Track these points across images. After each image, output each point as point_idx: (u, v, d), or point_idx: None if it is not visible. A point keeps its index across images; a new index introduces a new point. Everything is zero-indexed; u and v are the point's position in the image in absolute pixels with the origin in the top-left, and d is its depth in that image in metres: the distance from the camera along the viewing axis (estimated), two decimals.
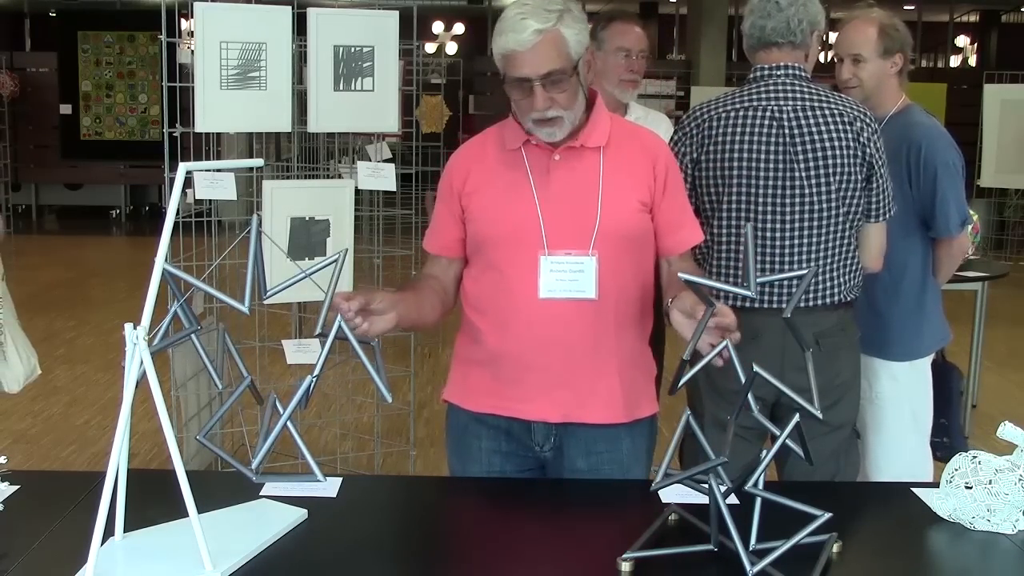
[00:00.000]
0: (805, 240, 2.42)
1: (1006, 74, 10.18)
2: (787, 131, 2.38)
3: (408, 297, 1.93)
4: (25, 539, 1.57)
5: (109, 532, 1.46)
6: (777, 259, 2.42)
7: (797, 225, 2.41)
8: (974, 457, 1.72)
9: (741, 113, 2.41)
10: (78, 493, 1.76)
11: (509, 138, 1.99)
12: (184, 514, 1.43)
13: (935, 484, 1.81)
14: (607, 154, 1.97)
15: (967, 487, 1.69)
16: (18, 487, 1.76)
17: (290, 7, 3.58)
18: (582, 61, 1.92)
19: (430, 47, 15.37)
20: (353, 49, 3.61)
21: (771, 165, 2.39)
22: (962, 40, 17.59)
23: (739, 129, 2.40)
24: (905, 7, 15.70)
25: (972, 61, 17.63)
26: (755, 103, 2.42)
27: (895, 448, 2.85)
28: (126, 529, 1.53)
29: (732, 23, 12.54)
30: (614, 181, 1.95)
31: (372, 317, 1.73)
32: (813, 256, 2.42)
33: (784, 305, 2.40)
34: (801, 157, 2.38)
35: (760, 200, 2.40)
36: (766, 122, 2.39)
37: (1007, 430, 1.67)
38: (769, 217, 2.41)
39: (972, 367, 5.22)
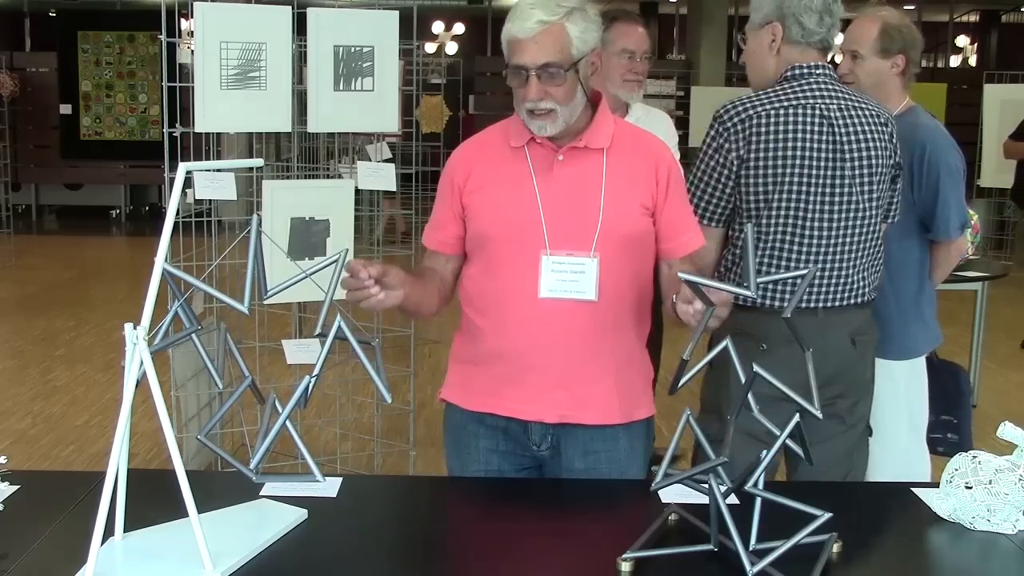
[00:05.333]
0: (848, 239, 2.40)
1: (1006, 74, 10.18)
2: (836, 130, 2.36)
3: (413, 280, 1.93)
4: (25, 539, 1.57)
5: (109, 532, 1.46)
6: (822, 259, 2.39)
7: (842, 224, 2.39)
8: (974, 457, 1.72)
9: (791, 111, 2.36)
10: (78, 493, 1.75)
11: (514, 135, 1.99)
12: (184, 514, 1.43)
13: (935, 484, 1.81)
14: (610, 156, 1.97)
15: (967, 487, 1.69)
16: (18, 487, 1.76)
17: (290, 7, 3.58)
18: (585, 61, 1.92)
19: (430, 47, 15.38)
20: (353, 49, 3.61)
21: (822, 164, 2.36)
22: (962, 40, 17.59)
23: (791, 127, 2.36)
24: (905, 7, 15.70)
25: (972, 61, 17.63)
26: (802, 100, 2.37)
27: (891, 447, 2.85)
28: (126, 529, 1.53)
29: (732, 23, 12.53)
30: (617, 183, 1.95)
31: (386, 291, 1.76)
32: (854, 255, 2.41)
33: (816, 305, 2.40)
34: (848, 156, 2.37)
35: (811, 199, 2.36)
36: (816, 120, 2.36)
37: (1007, 430, 1.67)
38: (816, 216, 2.37)
39: (972, 367, 5.22)
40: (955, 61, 17.41)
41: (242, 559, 1.50)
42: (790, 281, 2.40)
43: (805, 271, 1.62)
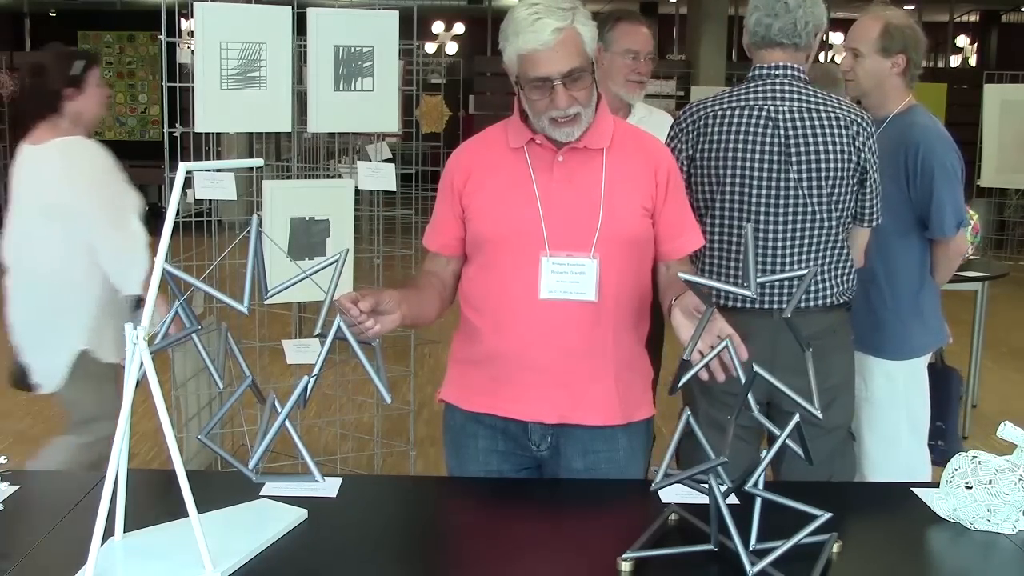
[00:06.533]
0: (797, 241, 2.41)
1: (1006, 74, 10.18)
2: (782, 131, 2.38)
3: (410, 295, 1.93)
4: (25, 539, 1.57)
5: (109, 532, 1.46)
6: (769, 260, 2.42)
7: (789, 226, 2.40)
8: (974, 457, 1.72)
9: (737, 112, 2.41)
10: (78, 493, 1.76)
11: (513, 137, 1.99)
12: (184, 514, 1.43)
13: (935, 484, 1.81)
14: (610, 156, 1.97)
15: (967, 487, 1.69)
16: (18, 487, 1.76)
17: (290, 7, 3.58)
18: (595, 58, 1.92)
19: (430, 47, 15.38)
20: (353, 49, 3.61)
21: (765, 165, 2.38)
22: (962, 40, 17.58)
23: (734, 128, 2.40)
24: (905, 7, 15.70)
25: (972, 61, 17.63)
26: (751, 102, 2.41)
27: (891, 448, 2.85)
28: (126, 529, 1.53)
29: (732, 23, 12.53)
30: (617, 184, 1.95)
31: (380, 317, 1.74)
32: (804, 257, 2.42)
33: (775, 306, 2.40)
34: (795, 158, 2.38)
35: (753, 200, 2.40)
36: (762, 122, 2.39)
37: (1007, 430, 1.67)
38: (762, 217, 2.40)
39: (972, 367, 5.21)
40: (955, 61, 17.40)
41: (242, 559, 1.50)
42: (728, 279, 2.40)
43: (804, 271, 1.62)
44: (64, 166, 2.92)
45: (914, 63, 2.83)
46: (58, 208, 2.89)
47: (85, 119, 3.09)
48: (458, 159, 2.06)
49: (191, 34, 3.50)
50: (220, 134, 4.55)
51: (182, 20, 3.81)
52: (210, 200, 3.76)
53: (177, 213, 1.48)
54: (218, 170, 3.45)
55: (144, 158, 12.36)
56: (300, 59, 3.93)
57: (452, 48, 16.13)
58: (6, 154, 12.05)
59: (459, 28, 16.57)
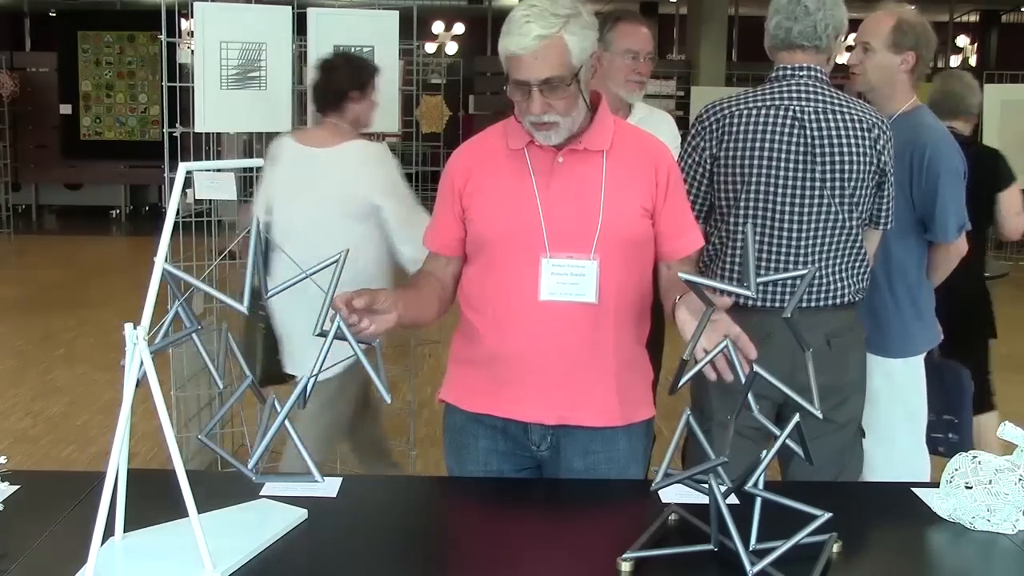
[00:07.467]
0: (819, 241, 2.42)
1: (1006, 74, 10.19)
2: (808, 132, 2.38)
3: (408, 295, 1.93)
4: (25, 539, 1.57)
5: (109, 532, 1.46)
6: (792, 259, 2.42)
7: (812, 225, 2.41)
8: (974, 457, 1.72)
9: (763, 111, 2.41)
10: (78, 493, 1.76)
11: (513, 138, 1.98)
12: (184, 514, 1.43)
13: (935, 484, 1.81)
14: (610, 158, 1.96)
15: (967, 487, 1.70)
16: (18, 487, 1.76)
17: (290, 7, 3.59)
18: (585, 67, 1.90)
19: (430, 47, 15.38)
20: (353, 49, 3.61)
21: (791, 165, 2.39)
22: (962, 40, 17.59)
23: (760, 127, 2.40)
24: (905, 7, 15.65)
25: (972, 61, 17.63)
26: (776, 102, 2.41)
27: (888, 445, 2.85)
28: (126, 529, 1.53)
29: (732, 23, 12.53)
30: (617, 185, 1.95)
31: (376, 317, 1.73)
32: (826, 257, 2.43)
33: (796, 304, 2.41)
34: (820, 159, 2.38)
35: (778, 199, 2.40)
36: (788, 121, 2.39)
37: (1007, 430, 1.67)
38: (786, 216, 2.40)
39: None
40: (955, 61, 17.40)
41: (242, 559, 1.50)
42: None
43: (804, 271, 1.62)
44: (369, 169, 3.09)
45: (923, 61, 2.83)
46: (364, 207, 3.05)
47: (363, 123, 3.23)
48: (458, 160, 2.06)
49: (191, 34, 3.50)
50: (220, 134, 4.55)
51: (182, 20, 3.81)
52: (210, 200, 3.76)
53: (177, 213, 1.48)
54: (218, 170, 3.45)
55: (144, 158, 12.41)
56: (300, 59, 3.92)
57: (452, 48, 16.14)
58: (6, 154, 11.99)
59: (459, 28, 16.58)
